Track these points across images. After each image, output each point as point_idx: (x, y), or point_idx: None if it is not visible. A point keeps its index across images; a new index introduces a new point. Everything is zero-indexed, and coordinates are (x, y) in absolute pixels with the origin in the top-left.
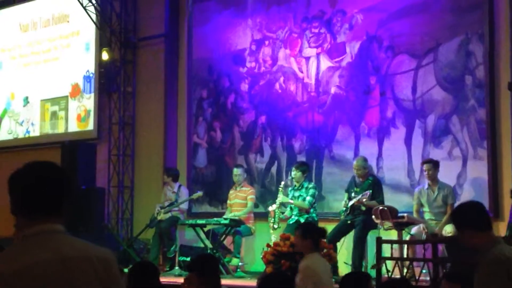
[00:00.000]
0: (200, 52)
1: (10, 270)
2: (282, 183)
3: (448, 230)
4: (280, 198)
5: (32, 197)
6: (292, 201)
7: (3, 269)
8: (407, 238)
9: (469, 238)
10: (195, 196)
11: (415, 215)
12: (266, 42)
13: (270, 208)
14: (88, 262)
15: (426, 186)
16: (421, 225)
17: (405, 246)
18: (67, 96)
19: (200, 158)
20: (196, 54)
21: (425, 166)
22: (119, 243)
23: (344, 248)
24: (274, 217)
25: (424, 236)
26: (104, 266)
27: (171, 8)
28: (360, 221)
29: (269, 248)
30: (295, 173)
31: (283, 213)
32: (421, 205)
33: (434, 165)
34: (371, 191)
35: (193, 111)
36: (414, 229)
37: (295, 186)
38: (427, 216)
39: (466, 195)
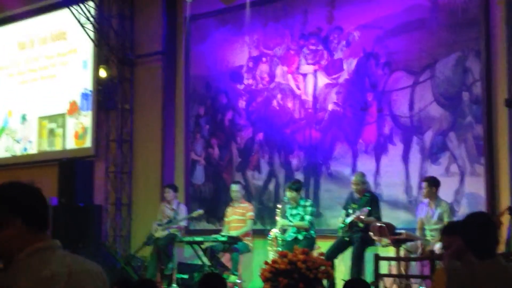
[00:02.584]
0: (198, 69)
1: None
2: (279, 206)
3: (437, 247)
4: (280, 222)
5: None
6: (291, 223)
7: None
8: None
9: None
10: (195, 214)
11: (418, 231)
12: (264, 59)
13: (271, 234)
14: (90, 276)
15: (426, 203)
16: (418, 242)
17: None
18: (64, 114)
19: (198, 175)
20: (193, 71)
21: (423, 184)
22: (116, 260)
23: (342, 265)
24: (276, 242)
25: (420, 252)
26: (101, 280)
27: (169, 26)
28: (358, 238)
29: (267, 266)
30: (289, 193)
31: (284, 232)
32: (422, 222)
33: (430, 183)
34: (369, 208)
35: (191, 128)
36: (409, 244)
37: (292, 205)
38: (427, 232)
39: (463, 211)
